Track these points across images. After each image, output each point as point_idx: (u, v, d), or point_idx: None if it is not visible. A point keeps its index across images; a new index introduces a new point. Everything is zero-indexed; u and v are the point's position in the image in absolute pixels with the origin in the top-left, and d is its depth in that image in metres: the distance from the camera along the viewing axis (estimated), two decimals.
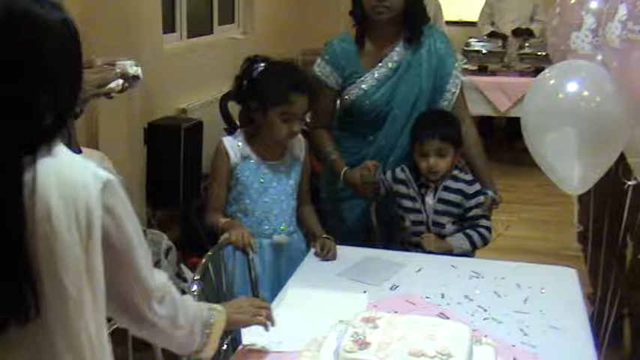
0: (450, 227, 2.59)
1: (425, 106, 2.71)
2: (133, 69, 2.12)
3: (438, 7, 6.62)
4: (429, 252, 2.54)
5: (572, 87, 2.05)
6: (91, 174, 1.18)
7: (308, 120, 2.69)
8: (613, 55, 1.91)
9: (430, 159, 2.54)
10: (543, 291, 2.21)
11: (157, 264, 3.42)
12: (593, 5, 2.15)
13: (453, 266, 2.40)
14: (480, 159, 2.74)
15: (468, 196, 2.58)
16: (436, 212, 2.58)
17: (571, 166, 2.09)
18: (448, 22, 6.91)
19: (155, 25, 4.41)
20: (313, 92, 2.46)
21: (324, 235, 2.52)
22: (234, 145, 2.50)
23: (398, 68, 2.69)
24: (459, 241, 2.57)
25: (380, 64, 2.70)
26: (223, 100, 4.27)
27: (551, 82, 2.13)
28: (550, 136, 2.10)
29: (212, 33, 5.69)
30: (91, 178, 1.17)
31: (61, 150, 1.19)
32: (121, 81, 2.09)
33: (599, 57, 2.03)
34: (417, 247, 2.59)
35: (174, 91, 4.66)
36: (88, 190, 1.16)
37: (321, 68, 2.74)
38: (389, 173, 2.67)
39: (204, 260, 2.23)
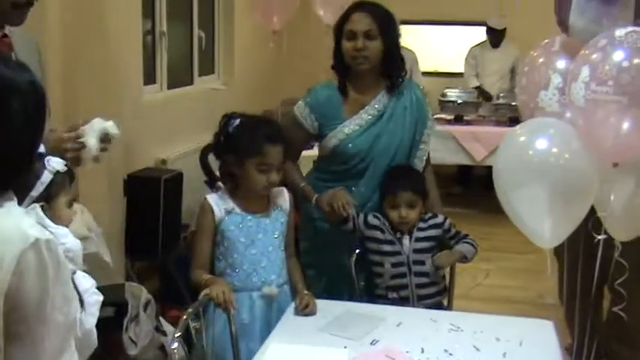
0: (429, 263, 2.68)
1: (405, 156, 2.82)
2: (112, 130, 2.14)
3: (414, 61, 6.77)
4: (410, 306, 2.61)
5: (541, 144, 2.12)
6: (20, 231, 1.17)
7: None
8: (579, 113, 1.99)
9: (402, 210, 2.67)
10: (522, 344, 2.24)
11: (135, 317, 3.42)
12: (560, 65, 2.24)
13: (432, 320, 2.43)
14: (438, 206, 2.89)
15: (441, 226, 2.75)
16: (415, 251, 2.69)
17: (542, 221, 2.15)
18: (424, 73, 7.06)
19: (136, 76, 4.46)
20: (286, 143, 2.54)
21: (305, 291, 2.55)
22: (218, 201, 2.54)
23: (381, 116, 2.80)
24: (464, 247, 2.72)
25: (362, 111, 2.80)
26: (203, 153, 4.30)
27: (522, 138, 2.20)
28: (521, 191, 2.16)
29: (192, 84, 5.76)
30: (17, 235, 1.16)
31: (9, 201, 1.22)
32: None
33: (568, 115, 2.10)
34: (398, 289, 2.66)
35: (154, 142, 4.69)
36: (7, 246, 1.15)
37: (300, 109, 2.85)
38: (361, 217, 2.74)
39: (184, 317, 2.26)
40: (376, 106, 2.80)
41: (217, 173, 2.71)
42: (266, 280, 2.50)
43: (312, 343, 2.24)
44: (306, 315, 2.45)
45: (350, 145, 2.78)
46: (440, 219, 2.78)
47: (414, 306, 2.65)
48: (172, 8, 5.20)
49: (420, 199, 2.71)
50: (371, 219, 2.74)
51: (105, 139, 2.14)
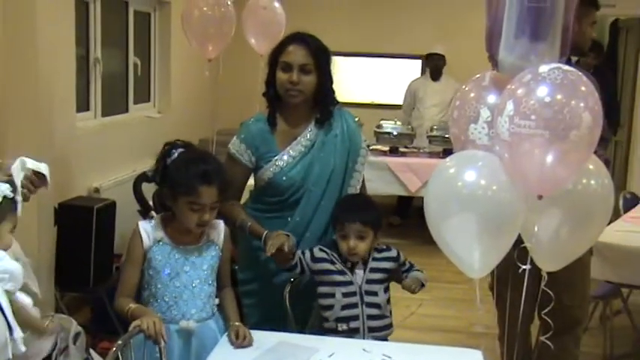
0: (382, 294, 2.67)
1: (339, 183, 2.82)
2: (39, 167, 2.12)
3: None
4: (360, 338, 2.59)
5: (470, 175, 2.17)
6: None
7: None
8: (505, 147, 2.04)
9: (350, 241, 2.63)
10: None
11: (64, 350, 3.33)
12: (490, 99, 2.29)
13: (365, 350, 2.43)
14: None
15: (396, 260, 2.75)
16: (369, 281, 2.66)
17: (471, 251, 2.19)
18: (360, 105, 7.17)
19: (69, 103, 4.41)
20: (223, 183, 2.50)
21: (237, 322, 2.52)
22: (147, 229, 2.51)
23: (312, 146, 2.81)
24: (419, 274, 2.77)
25: (294, 142, 2.81)
26: (137, 182, 4.26)
27: (451, 170, 2.25)
28: (450, 221, 2.20)
29: (127, 112, 5.70)
30: None
31: None
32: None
33: (496, 148, 2.16)
34: (348, 321, 2.62)
35: (87, 170, 4.63)
36: None
37: (235, 147, 2.82)
38: (307, 253, 2.70)
39: (114, 349, 2.22)
40: (307, 136, 2.82)
41: (150, 202, 2.68)
42: (185, 314, 2.47)
43: None
44: (243, 347, 2.42)
45: (284, 177, 2.78)
46: (393, 253, 2.77)
47: (363, 338, 2.61)
48: (107, 34, 5.17)
49: (371, 230, 2.66)
50: (317, 252, 2.70)
51: (32, 177, 2.11)
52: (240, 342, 2.43)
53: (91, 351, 3.50)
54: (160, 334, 2.29)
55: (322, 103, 2.82)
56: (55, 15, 4.07)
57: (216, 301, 2.59)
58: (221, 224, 2.60)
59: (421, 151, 6.73)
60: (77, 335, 3.41)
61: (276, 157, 2.79)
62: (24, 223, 3.71)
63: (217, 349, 2.42)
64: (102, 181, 4.75)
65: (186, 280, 2.49)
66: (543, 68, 2.01)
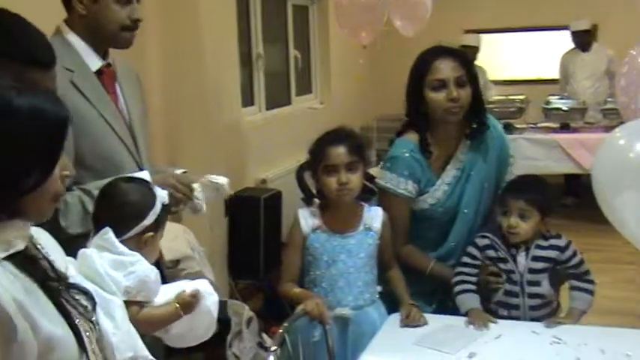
0: (546, 284, 2.50)
1: (490, 198, 2.66)
2: (225, 189, 2.18)
3: (487, 78, 6.70)
4: (512, 318, 2.48)
5: None
6: None
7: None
8: None
9: (511, 218, 2.47)
10: (629, 355, 2.13)
11: (238, 334, 3.48)
12: None
13: (534, 332, 2.34)
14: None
15: (562, 249, 2.50)
16: (531, 271, 2.49)
17: None
18: (518, 81, 6.93)
19: (235, 98, 4.57)
20: (353, 142, 2.46)
21: (409, 302, 2.50)
22: (306, 216, 2.55)
23: (464, 168, 2.62)
24: (582, 300, 2.49)
25: (449, 167, 2.62)
26: (300, 171, 4.36)
27: (621, 141, 2.11)
28: (621, 194, 2.06)
29: (290, 104, 5.85)
30: None
31: None
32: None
33: None
34: (509, 308, 2.50)
35: (254, 162, 4.80)
36: None
37: (393, 182, 2.59)
38: (470, 249, 2.57)
39: (280, 331, 2.28)
40: (460, 157, 2.62)
41: (314, 191, 2.71)
42: (341, 301, 2.47)
43: (407, 357, 2.21)
44: (415, 326, 2.41)
45: (440, 208, 2.62)
46: (562, 242, 2.52)
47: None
48: (268, 30, 5.31)
49: (536, 211, 2.45)
50: (480, 240, 2.56)
51: (216, 192, 2.18)
52: (411, 321, 2.41)
53: (264, 335, 3.65)
54: (324, 315, 2.34)
55: (477, 114, 2.60)
56: (217, 13, 4.23)
57: (378, 288, 2.58)
58: (378, 210, 2.58)
59: (595, 125, 6.37)
60: (250, 320, 3.58)
61: (434, 187, 2.61)
62: (197, 215, 3.97)
63: (381, 330, 2.42)
64: (268, 173, 4.90)
65: (342, 268, 2.49)
66: None
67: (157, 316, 1.70)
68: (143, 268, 1.66)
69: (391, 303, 2.57)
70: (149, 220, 1.73)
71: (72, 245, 1.63)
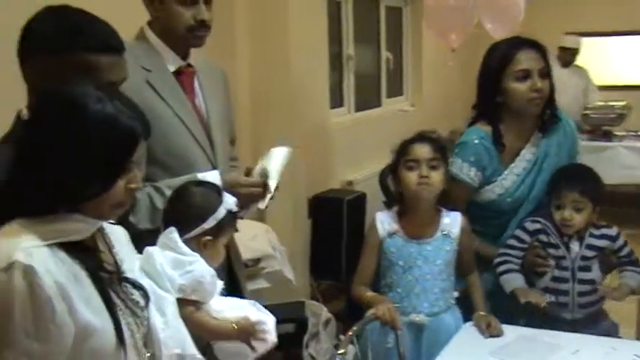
0: (596, 270, 2.48)
1: None
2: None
3: (589, 78, 6.43)
4: (568, 312, 2.46)
5: None
6: (8, 252, 1.20)
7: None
8: None
9: (565, 211, 2.44)
10: None
11: (315, 335, 3.49)
12: None
13: (612, 348, 2.23)
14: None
15: (613, 238, 2.52)
16: (583, 258, 2.47)
17: None
18: (630, 87, 6.64)
19: (322, 100, 4.59)
20: (436, 142, 2.48)
21: (481, 312, 2.45)
22: (384, 220, 2.54)
23: (536, 160, 2.60)
24: (633, 279, 2.49)
25: (518, 158, 2.61)
26: (383, 174, 4.33)
27: None
28: None
29: (380, 106, 5.81)
30: (3, 255, 1.20)
31: (24, 222, 1.25)
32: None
33: None
34: (557, 294, 2.47)
35: (341, 164, 4.79)
36: None
37: (457, 167, 2.59)
38: (519, 232, 2.54)
39: (349, 334, 2.27)
40: (532, 149, 2.60)
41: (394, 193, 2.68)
42: (416, 307, 2.44)
43: None
44: (492, 336, 2.35)
45: (508, 199, 2.60)
46: (613, 231, 2.53)
47: (572, 313, 2.46)
48: (359, 31, 5.30)
49: (589, 202, 2.45)
50: (530, 225, 2.53)
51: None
52: (490, 331, 2.36)
53: (341, 337, 3.64)
54: (395, 320, 2.31)
55: (550, 107, 2.59)
56: (307, 14, 4.25)
57: (455, 294, 2.53)
58: (457, 216, 2.53)
59: None
60: (328, 321, 3.58)
61: (502, 177, 2.59)
62: (280, 214, 4.00)
63: (455, 339, 2.36)
64: (355, 175, 4.88)
65: (418, 274, 2.45)
66: None
67: (210, 325, 1.71)
68: (200, 268, 1.68)
69: (467, 308, 2.53)
70: (209, 224, 1.76)
71: (142, 240, 1.68)
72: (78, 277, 1.26)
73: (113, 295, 1.34)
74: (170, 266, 1.65)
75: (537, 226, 2.52)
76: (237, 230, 1.97)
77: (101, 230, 1.42)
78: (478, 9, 4.40)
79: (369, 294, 2.47)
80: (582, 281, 2.47)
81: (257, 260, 3.44)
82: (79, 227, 1.30)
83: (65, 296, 1.22)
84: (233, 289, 2.27)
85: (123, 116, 1.29)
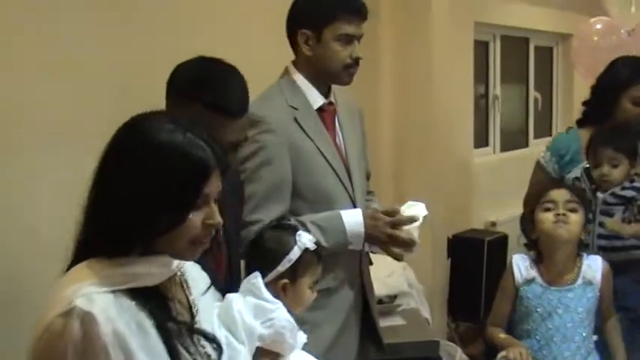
0: (619, 216, 2.59)
1: None
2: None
3: None
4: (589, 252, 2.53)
5: None
6: (68, 296, 1.16)
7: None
8: None
9: (603, 167, 2.57)
10: None
11: None
12: None
13: None
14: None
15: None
16: (605, 203, 2.58)
17: None
18: None
19: (467, 139, 4.57)
20: (575, 188, 2.56)
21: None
22: (521, 265, 2.49)
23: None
24: None
25: None
26: (524, 215, 4.22)
27: None
28: None
29: (527, 146, 5.69)
30: (65, 300, 1.16)
31: (94, 263, 1.21)
32: None
33: None
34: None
35: (484, 203, 4.73)
36: (51, 310, 1.16)
37: (548, 158, 2.89)
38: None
39: None
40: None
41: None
42: (557, 356, 2.36)
43: None
44: None
45: None
46: None
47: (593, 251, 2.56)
48: (507, 71, 5.25)
49: (625, 158, 2.58)
50: (575, 172, 2.72)
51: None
52: None
53: None
54: None
55: None
56: (453, 53, 4.25)
57: (594, 337, 2.44)
58: (598, 260, 2.44)
59: None
60: None
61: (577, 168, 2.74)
62: (419, 253, 3.98)
63: None
64: (498, 215, 4.80)
65: (558, 323, 2.38)
66: None
67: None
68: (281, 317, 1.58)
69: (607, 353, 2.47)
70: (283, 267, 1.68)
71: None
72: (142, 326, 1.21)
73: (181, 348, 1.26)
74: (251, 314, 1.56)
75: (577, 173, 2.71)
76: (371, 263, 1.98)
77: (181, 276, 1.37)
78: (631, 46, 4.24)
79: (502, 335, 2.43)
80: (601, 224, 2.59)
81: (393, 297, 3.45)
82: (151, 271, 1.25)
83: (123, 346, 1.16)
84: (368, 325, 2.31)
85: (193, 147, 1.24)
